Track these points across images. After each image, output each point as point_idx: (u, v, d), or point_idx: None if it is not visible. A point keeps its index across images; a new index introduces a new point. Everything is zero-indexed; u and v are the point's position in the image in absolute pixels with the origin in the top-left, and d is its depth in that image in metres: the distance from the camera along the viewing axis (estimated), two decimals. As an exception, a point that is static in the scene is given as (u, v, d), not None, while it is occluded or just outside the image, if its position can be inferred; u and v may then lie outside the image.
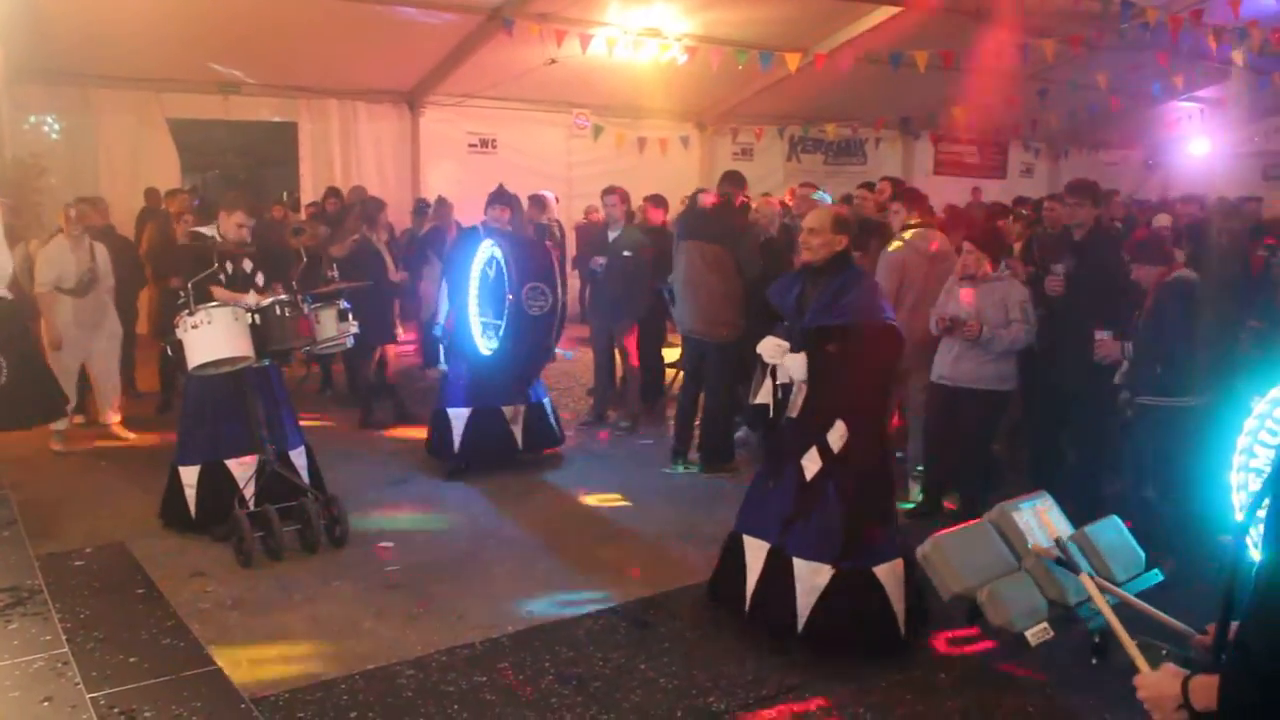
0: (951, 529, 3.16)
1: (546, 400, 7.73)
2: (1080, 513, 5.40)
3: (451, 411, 7.42)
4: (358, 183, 12.25)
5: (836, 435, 4.55)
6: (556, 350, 7.91)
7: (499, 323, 7.15)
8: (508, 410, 7.41)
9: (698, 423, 7.87)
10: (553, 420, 7.74)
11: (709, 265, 7.40)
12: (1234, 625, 2.04)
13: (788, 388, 4.70)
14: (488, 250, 7.26)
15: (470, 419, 7.36)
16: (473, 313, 7.31)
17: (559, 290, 7.32)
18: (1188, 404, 5.32)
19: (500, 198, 7.44)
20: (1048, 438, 6.67)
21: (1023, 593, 2.90)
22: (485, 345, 7.27)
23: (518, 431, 7.46)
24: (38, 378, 7.29)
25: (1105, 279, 6.08)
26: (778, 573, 4.67)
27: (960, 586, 2.98)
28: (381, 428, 8.69)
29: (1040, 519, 3.21)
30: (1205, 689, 2.02)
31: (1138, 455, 5.67)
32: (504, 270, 7.13)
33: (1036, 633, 2.82)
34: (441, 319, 7.67)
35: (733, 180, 7.80)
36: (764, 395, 4.86)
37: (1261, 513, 1.99)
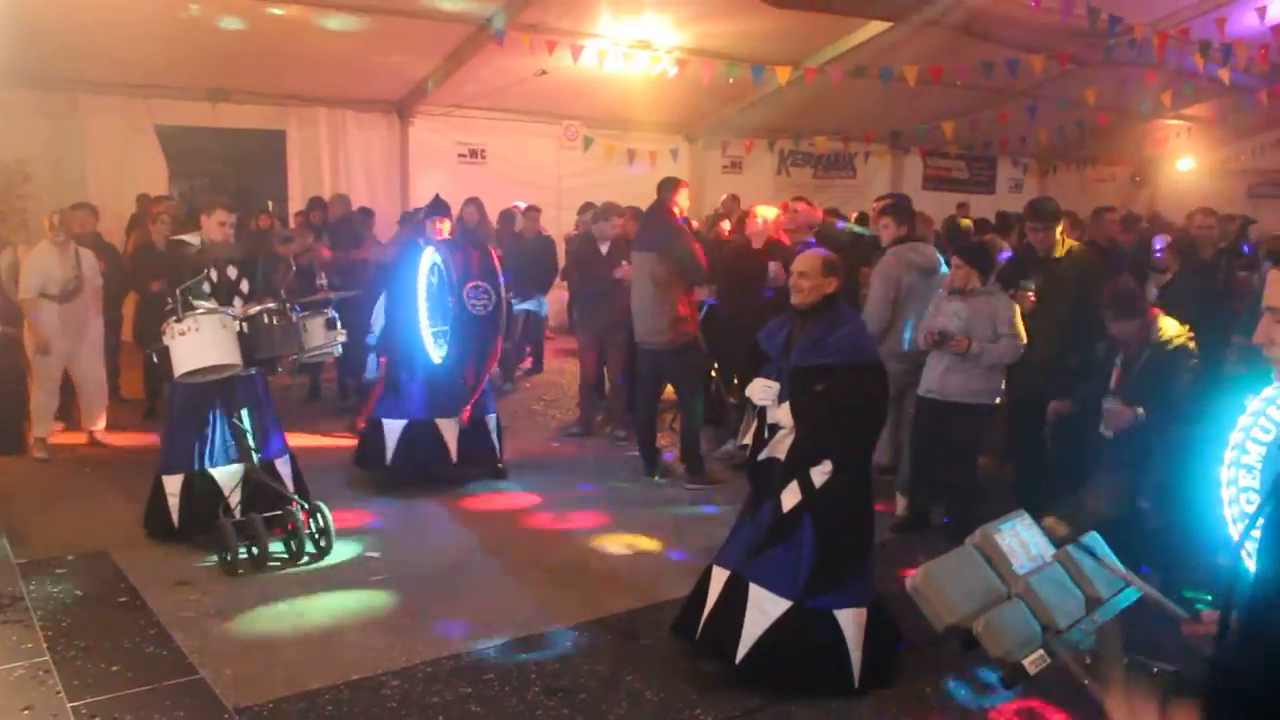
0: (938, 558, 3.15)
1: (490, 417, 7.59)
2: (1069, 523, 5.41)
3: (387, 423, 7.33)
4: (345, 191, 12.21)
5: (820, 471, 4.45)
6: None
7: (447, 327, 7.17)
8: (443, 423, 7.30)
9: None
10: (494, 438, 7.60)
11: (646, 273, 7.48)
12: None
13: (775, 429, 4.67)
14: (430, 258, 7.26)
15: (404, 430, 7.28)
16: (423, 323, 7.25)
17: (502, 289, 7.31)
18: (1182, 430, 5.36)
19: (439, 209, 7.49)
20: (1031, 449, 6.70)
21: (1018, 621, 2.88)
22: (437, 354, 7.24)
23: (452, 443, 7.33)
24: (10, 408, 7.28)
25: (1074, 295, 6.22)
26: (732, 598, 4.53)
27: (954, 618, 2.96)
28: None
29: (1021, 539, 3.20)
30: (1190, 714, 1.99)
31: (1133, 469, 5.68)
32: (444, 274, 7.15)
33: (1034, 660, 2.80)
34: (377, 330, 7.70)
35: (666, 185, 7.80)
36: (751, 436, 4.84)
37: (1257, 531, 1.97)
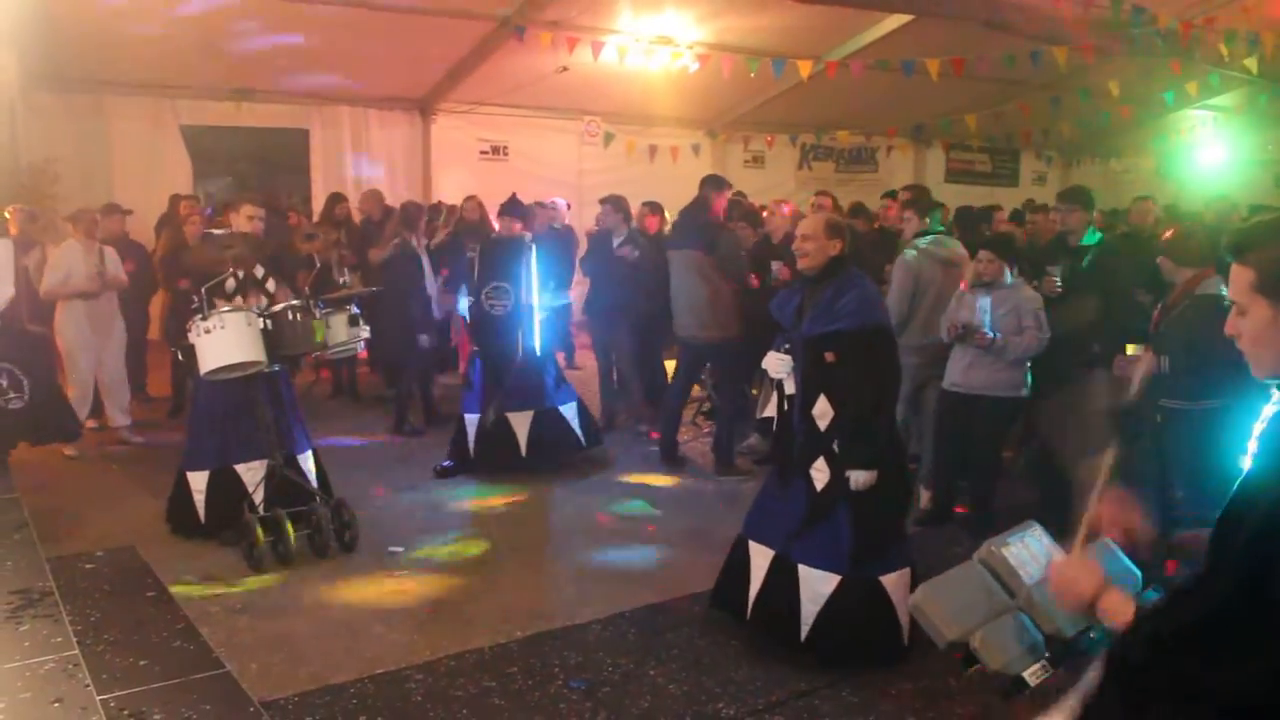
0: (939, 575, 3.12)
1: (567, 406, 7.67)
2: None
3: (467, 418, 7.50)
4: (371, 188, 12.22)
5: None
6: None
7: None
8: (513, 417, 7.40)
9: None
10: (575, 426, 7.67)
11: (692, 271, 7.47)
12: None
13: (793, 400, 4.69)
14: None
15: (479, 424, 7.42)
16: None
17: (524, 290, 7.37)
18: (1208, 406, 5.30)
19: (513, 210, 7.58)
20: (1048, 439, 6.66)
21: (1017, 632, 2.84)
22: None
23: (522, 437, 7.43)
24: (56, 400, 7.38)
25: (1102, 283, 6.09)
26: (782, 580, 4.64)
27: (954, 634, 2.92)
28: (414, 434, 8.68)
29: (1031, 551, 3.15)
30: (1120, 605, 2.03)
31: (1165, 459, 5.62)
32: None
33: (1035, 672, 2.76)
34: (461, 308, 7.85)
35: (711, 183, 7.80)
36: (770, 409, 4.85)
37: None
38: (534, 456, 7.49)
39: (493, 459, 7.44)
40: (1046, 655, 2.81)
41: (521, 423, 7.44)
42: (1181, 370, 5.32)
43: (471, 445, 7.48)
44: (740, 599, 4.83)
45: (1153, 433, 5.61)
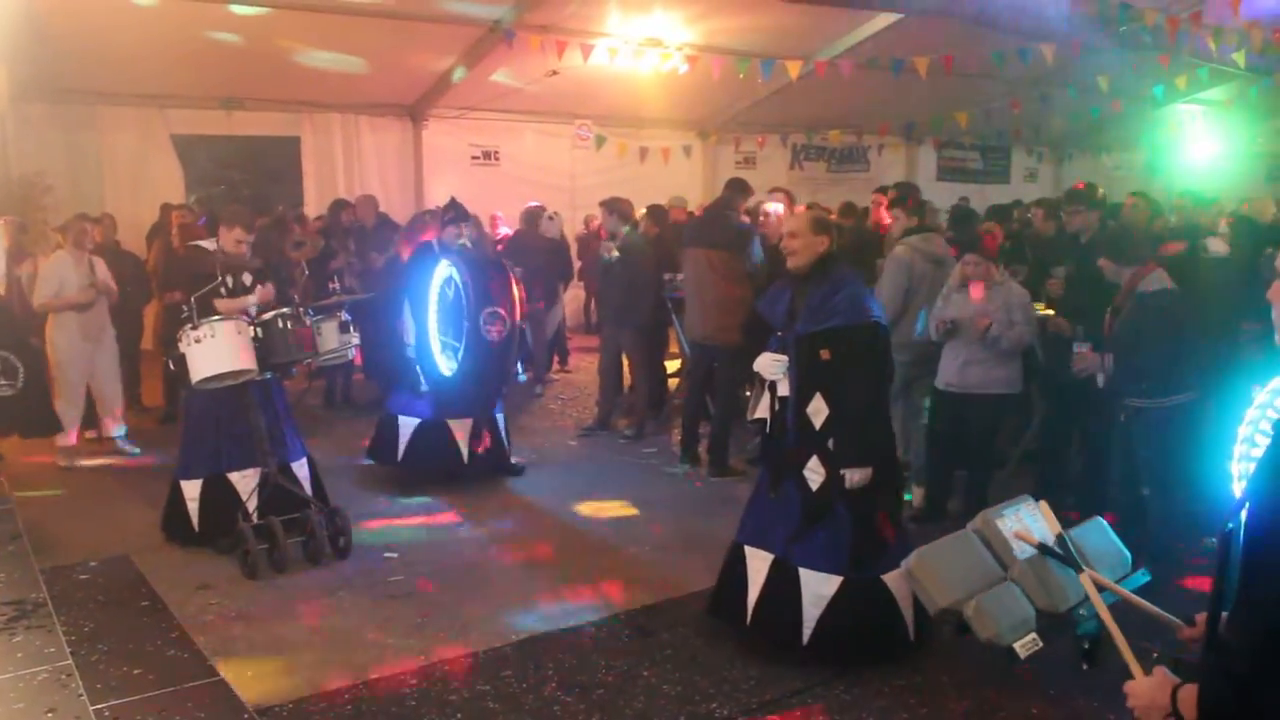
0: (934, 542, 3.13)
1: (499, 417, 7.61)
2: (1085, 512, 5.40)
3: (402, 419, 7.39)
4: (359, 196, 12.23)
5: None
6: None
7: (458, 344, 7.11)
8: (454, 424, 7.31)
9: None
10: (504, 436, 7.61)
11: (715, 271, 7.44)
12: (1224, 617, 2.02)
13: (785, 401, 4.69)
14: (445, 270, 7.20)
15: (418, 428, 7.33)
16: (433, 332, 7.25)
17: (515, 314, 7.29)
18: (1173, 403, 5.31)
19: (457, 216, 7.41)
20: (1061, 436, 6.66)
21: (1010, 604, 2.85)
22: (445, 365, 7.22)
23: (464, 444, 7.34)
24: (44, 390, 7.38)
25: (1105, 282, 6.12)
26: (782, 583, 4.61)
27: (947, 601, 2.94)
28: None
29: (1024, 524, 3.15)
30: (1192, 697, 1.99)
31: (1128, 455, 5.64)
32: (462, 293, 7.10)
33: (1025, 644, 2.77)
34: (410, 339, 7.54)
35: (736, 187, 7.83)
36: (762, 410, 4.85)
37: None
38: (475, 464, 7.40)
39: (431, 466, 7.34)
40: (1037, 628, 2.83)
41: (462, 431, 7.33)
42: (1128, 366, 5.32)
43: (402, 447, 7.34)
44: (739, 606, 4.79)
45: (1118, 431, 5.63)
